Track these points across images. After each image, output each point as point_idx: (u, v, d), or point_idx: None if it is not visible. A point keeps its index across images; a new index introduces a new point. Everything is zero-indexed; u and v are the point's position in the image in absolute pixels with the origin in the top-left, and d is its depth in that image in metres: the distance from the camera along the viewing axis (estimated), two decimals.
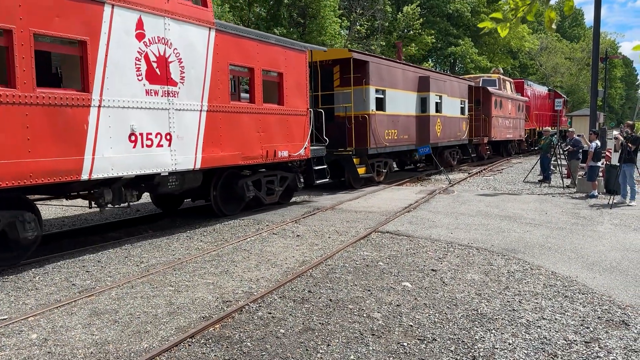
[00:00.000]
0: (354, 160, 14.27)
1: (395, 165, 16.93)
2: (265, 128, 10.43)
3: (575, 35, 76.94)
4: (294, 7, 35.25)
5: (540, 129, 34.83)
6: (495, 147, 27.52)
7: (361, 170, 14.54)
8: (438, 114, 18.42)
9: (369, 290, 5.74)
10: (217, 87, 9.21)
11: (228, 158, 9.49)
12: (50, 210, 11.89)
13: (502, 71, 29.70)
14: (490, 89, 24.72)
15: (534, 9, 2.81)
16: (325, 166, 12.69)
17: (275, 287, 5.77)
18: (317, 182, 12.26)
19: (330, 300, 5.42)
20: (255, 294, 5.59)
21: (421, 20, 44.70)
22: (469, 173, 19.38)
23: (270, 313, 5.05)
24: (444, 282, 6.06)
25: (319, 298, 5.48)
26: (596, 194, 13.09)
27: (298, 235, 8.55)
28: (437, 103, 18.34)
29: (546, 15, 2.82)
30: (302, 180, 12.02)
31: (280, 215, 10.48)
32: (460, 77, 23.32)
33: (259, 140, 10.29)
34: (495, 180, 16.87)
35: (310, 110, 12.16)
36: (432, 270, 6.55)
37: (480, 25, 3.27)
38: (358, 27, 40.04)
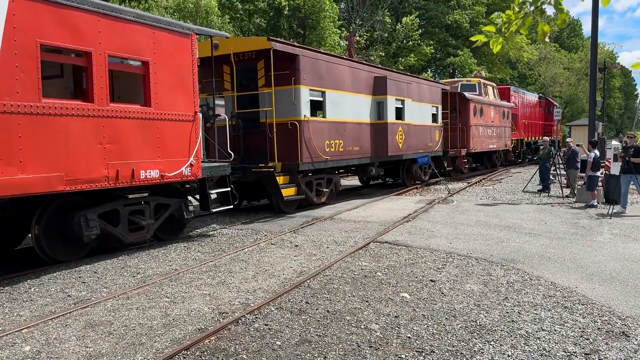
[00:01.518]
0: (279, 178, 11.51)
1: (357, 181, 15.62)
2: (115, 138, 7.51)
3: (573, 45, 77.27)
4: (293, 18, 35.47)
5: (533, 139, 33.04)
6: (478, 158, 25.18)
7: (289, 192, 11.72)
8: (399, 121, 15.64)
9: (367, 302, 5.69)
10: (12, 75, 6.26)
11: (33, 183, 6.48)
12: None
13: (484, 75, 26.66)
14: (468, 94, 21.97)
15: (527, 23, 2.78)
16: (229, 188, 9.84)
17: (272, 298, 5.72)
18: (214, 209, 9.48)
19: (328, 311, 5.37)
20: (252, 305, 5.54)
21: (420, 31, 44.94)
22: (468, 182, 19.35)
23: (266, 325, 5.00)
24: (442, 293, 6.01)
25: (317, 309, 5.43)
26: (595, 203, 13.05)
27: (296, 246, 8.50)
28: (398, 109, 15.67)
29: (539, 29, 2.81)
30: (191, 209, 9.27)
31: (279, 225, 10.44)
32: (432, 80, 20.87)
33: (103, 155, 7.35)
34: (494, 190, 16.84)
35: (200, 115, 9.17)
36: (431, 280, 6.50)
37: (473, 39, 3.24)
38: (357, 38, 40.19)
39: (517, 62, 61.88)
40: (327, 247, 8.38)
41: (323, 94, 12.64)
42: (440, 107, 19.43)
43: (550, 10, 2.70)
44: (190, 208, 9.24)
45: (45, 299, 5.88)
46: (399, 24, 43.52)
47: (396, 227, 10.09)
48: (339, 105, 13.22)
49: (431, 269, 7.09)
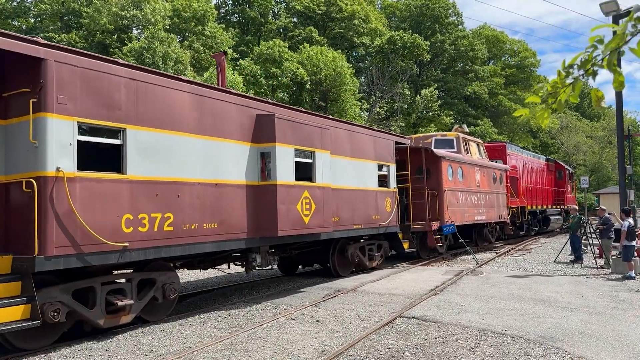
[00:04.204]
0: None
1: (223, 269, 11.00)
2: None
3: (594, 114, 77.51)
4: (315, 92, 36.47)
5: (540, 207, 27.92)
6: (463, 232, 18.96)
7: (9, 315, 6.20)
8: (305, 183, 10.53)
9: None
10: None
11: None
12: None
13: (467, 129, 21.94)
14: (439, 151, 17.28)
15: (578, 89, 2.54)
16: None
17: None
18: None
19: None
20: None
21: (439, 102, 45.66)
22: (497, 253, 18.68)
23: None
24: None
25: None
26: (634, 275, 12.34)
27: (317, 321, 8.07)
28: (302, 165, 10.79)
29: (593, 94, 2.58)
30: None
31: (299, 299, 10.02)
32: (378, 129, 15.01)
33: None
34: (524, 261, 16.17)
35: None
36: None
37: (516, 114, 3.00)
38: (378, 109, 40.98)
39: (538, 131, 62.01)
40: (350, 323, 7.92)
41: (120, 132, 7.45)
42: (392, 166, 14.51)
43: (601, 74, 2.46)
44: None
45: None
46: (418, 95, 44.36)
47: (424, 301, 9.58)
48: (166, 154, 8.05)
49: (464, 348, 6.57)
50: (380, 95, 41.70)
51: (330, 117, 12.40)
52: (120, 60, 7.66)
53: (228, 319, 8.33)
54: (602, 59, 2.37)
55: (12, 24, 35.82)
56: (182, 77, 8.76)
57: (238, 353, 6.37)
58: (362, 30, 48.64)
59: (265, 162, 9.83)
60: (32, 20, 37.32)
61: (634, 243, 12.75)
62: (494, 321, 7.98)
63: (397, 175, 15.28)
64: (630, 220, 13.08)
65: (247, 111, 9.67)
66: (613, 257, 13.86)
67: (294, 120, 10.45)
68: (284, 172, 9.92)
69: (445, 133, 20.36)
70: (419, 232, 16.36)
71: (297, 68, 34.56)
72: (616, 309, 8.91)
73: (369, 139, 13.52)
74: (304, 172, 10.89)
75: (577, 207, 18.45)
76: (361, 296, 10.23)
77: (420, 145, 17.42)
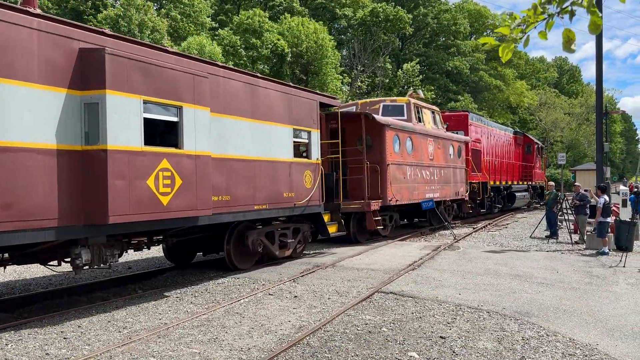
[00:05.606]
0: None
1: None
2: None
3: (573, 91, 78.28)
4: (296, 64, 35.92)
5: (505, 182, 25.90)
6: (416, 212, 17.76)
7: None
8: (161, 149, 7.70)
9: None
10: None
11: None
12: (38, 268, 11.39)
13: (422, 95, 19.09)
14: (383, 118, 14.98)
15: (549, 26, 2.38)
16: None
17: (267, 358, 5.23)
18: None
19: None
20: None
21: (421, 76, 45.47)
22: (473, 228, 18.87)
23: None
24: (454, 352, 5.52)
25: None
26: (607, 250, 12.57)
27: (295, 296, 8.02)
28: (155, 123, 7.98)
29: (564, 35, 2.40)
30: None
31: (277, 274, 9.96)
32: (296, 86, 11.67)
33: None
34: (501, 236, 16.36)
35: None
36: (441, 337, 6.01)
37: (482, 41, 2.84)
38: (359, 83, 40.66)
39: (517, 107, 62.45)
40: (329, 298, 7.90)
41: None
42: (315, 132, 11.77)
43: (579, 13, 2.32)
44: None
45: (20, 357, 5.40)
46: (400, 70, 44.10)
47: (402, 276, 9.60)
48: None
49: (440, 323, 6.59)
50: (362, 69, 41.31)
51: (219, 63, 9.33)
52: None
53: (205, 295, 8.24)
54: None
55: None
56: None
57: (214, 329, 6.29)
58: (344, 1, 47.89)
59: (92, 116, 6.87)
60: None
61: (608, 219, 12.95)
62: (471, 296, 8.03)
63: (332, 145, 13.58)
64: (606, 197, 13.26)
65: (62, 44, 6.71)
66: (588, 233, 14.10)
67: (144, 61, 7.44)
68: (124, 133, 7.05)
69: (394, 98, 17.72)
70: (357, 213, 14.19)
71: (278, 39, 33.93)
72: (590, 284, 9.06)
73: (280, 97, 10.68)
74: (166, 135, 8.20)
75: (553, 184, 18.67)
76: (340, 271, 10.22)
77: (367, 111, 15.31)
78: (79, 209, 6.78)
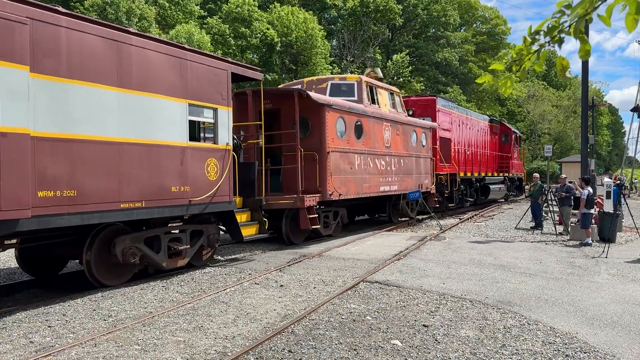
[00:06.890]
0: None
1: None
2: None
3: (561, 83, 78.76)
4: (286, 54, 35.76)
5: (478, 174, 24.19)
6: (375, 206, 16.22)
7: None
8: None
9: (355, 350, 5.26)
10: None
11: None
12: None
13: (380, 75, 16.38)
14: (323, 97, 12.73)
15: (543, 57, 2.45)
16: None
17: (252, 346, 5.28)
18: None
19: None
20: (229, 354, 5.09)
21: (410, 68, 45.49)
22: (460, 219, 19.03)
23: None
24: (436, 340, 5.60)
25: (300, 359, 5.00)
26: (590, 241, 12.77)
27: (281, 286, 8.07)
28: None
29: (558, 63, 2.50)
30: None
31: (264, 263, 10.00)
32: (201, 52, 9.15)
33: None
34: (487, 227, 16.53)
35: None
36: (424, 325, 6.09)
37: (479, 81, 2.88)
38: (348, 74, 40.56)
39: (506, 100, 62.79)
40: (314, 287, 7.96)
41: None
42: (224, 110, 9.38)
43: (568, 41, 2.38)
44: None
45: (4, 345, 5.40)
46: (389, 61, 44.09)
47: (387, 266, 9.69)
48: None
49: (424, 312, 6.68)
50: (351, 59, 41.25)
51: (61, 9, 6.78)
52: None
53: (191, 283, 8.26)
54: (570, 26, 2.28)
55: None
56: None
57: (200, 318, 6.32)
58: None
59: None
60: None
61: (592, 211, 13.15)
62: (454, 286, 8.14)
63: (267, 128, 11.40)
64: (590, 188, 13.44)
65: None
66: (572, 224, 14.30)
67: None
68: None
69: (344, 76, 15.63)
70: (291, 210, 12.04)
71: (267, 29, 33.74)
72: (572, 274, 9.21)
73: (167, 61, 8.18)
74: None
75: (538, 175, 18.86)
76: (326, 261, 10.29)
77: (314, 90, 13.26)
78: None
